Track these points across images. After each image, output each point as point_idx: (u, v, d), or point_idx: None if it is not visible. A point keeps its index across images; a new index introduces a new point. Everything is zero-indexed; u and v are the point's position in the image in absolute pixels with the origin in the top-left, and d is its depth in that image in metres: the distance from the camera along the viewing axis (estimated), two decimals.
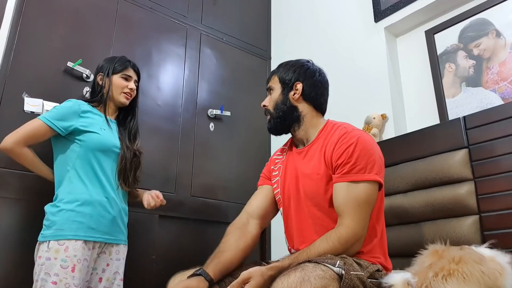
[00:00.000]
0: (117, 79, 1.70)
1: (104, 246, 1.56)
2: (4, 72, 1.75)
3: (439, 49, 2.00)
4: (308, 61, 1.45)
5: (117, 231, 1.59)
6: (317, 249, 1.14)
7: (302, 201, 1.32)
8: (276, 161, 1.50)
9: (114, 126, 1.71)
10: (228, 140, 2.46)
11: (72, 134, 1.57)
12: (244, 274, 1.07)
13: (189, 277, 1.20)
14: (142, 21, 2.27)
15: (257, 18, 2.90)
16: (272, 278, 1.07)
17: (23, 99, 1.76)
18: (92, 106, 1.67)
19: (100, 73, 1.71)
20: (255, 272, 1.06)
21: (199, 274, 1.19)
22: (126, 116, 1.78)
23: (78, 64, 1.90)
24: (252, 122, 2.61)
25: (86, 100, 1.68)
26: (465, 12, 1.93)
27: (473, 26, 1.90)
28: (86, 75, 1.94)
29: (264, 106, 1.45)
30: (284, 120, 1.39)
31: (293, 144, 1.46)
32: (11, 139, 1.50)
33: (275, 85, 1.43)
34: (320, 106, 1.41)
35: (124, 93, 1.70)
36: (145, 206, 1.68)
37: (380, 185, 1.23)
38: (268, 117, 1.43)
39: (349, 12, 2.40)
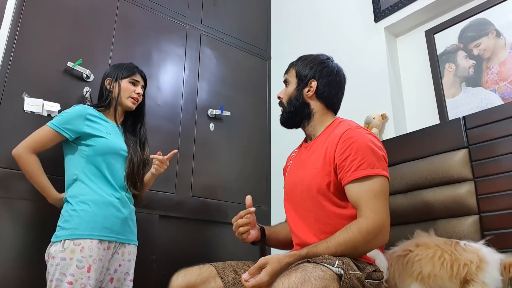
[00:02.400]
0: (125, 83, 1.73)
1: (118, 247, 1.57)
2: (4, 72, 1.75)
3: (439, 49, 2.00)
4: (328, 58, 1.45)
5: (129, 231, 1.62)
6: (337, 239, 1.12)
7: (298, 193, 1.34)
8: (292, 155, 1.53)
9: (120, 130, 1.74)
10: (228, 140, 2.46)
11: (79, 139, 1.59)
12: (261, 260, 1.07)
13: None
14: (142, 21, 2.27)
15: (257, 18, 2.90)
16: (289, 265, 1.07)
17: (23, 99, 1.76)
18: (99, 111, 1.70)
19: (108, 78, 1.74)
20: (272, 259, 1.06)
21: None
22: (134, 123, 1.81)
23: (78, 64, 1.90)
24: (252, 122, 2.61)
25: (93, 105, 1.71)
26: (465, 12, 1.93)
27: (473, 26, 1.90)
28: (86, 75, 1.94)
29: (278, 97, 1.47)
30: (295, 115, 1.41)
31: (304, 139, 1.49)
32: (20, 145, 1.54)
33: (292, 78, 1.44)
34: (332, 105, 1.42)
35: (132, 97, 1.73)
36: (155, 172, 1.73)
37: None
38: (281, 109, 1.46)
39: (349, 12, 2.40)
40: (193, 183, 2.23)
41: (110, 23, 2.13)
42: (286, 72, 1.48)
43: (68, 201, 1.53)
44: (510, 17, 1.79)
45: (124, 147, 1.68)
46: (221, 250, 2.26)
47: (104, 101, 1.73)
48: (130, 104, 1.73)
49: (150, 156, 1.71)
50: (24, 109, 1.75)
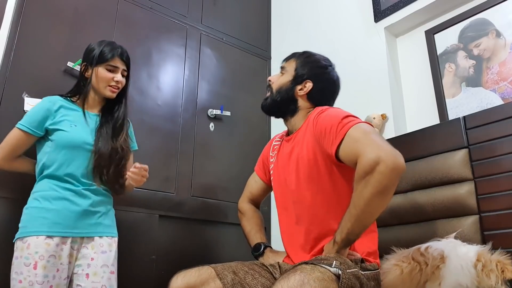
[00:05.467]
0: (101, 71, 1.55)
1: (83, 241, 1.48)
2: (4, 72, 1.75)
3: (439, 49, 2.00)
4: (330, 65, 1.44)
5: (92, 224, 1.50)
6: (361, 195, 1.07)
7: (288, 187, 1.34)
8: (275, 147, 1.52)
9: (93, 120, 1.59)
10: (228, 140, 2.46)
11: (46, 134, 1.53)
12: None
13: (258, 255, 1.44)
14: (142, 21, 2.27)
15: (257, 18, 2.90)
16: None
17: (23, 99, 1.76)
18: (72, 100, 1.60)
19: (84, 63, 1.59)
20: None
21: (266, 246, 1.45)
22: (112, 106, 1.64)
23: (78, 64, 1.90)
24: (252, 122, 2.61)
25: (65, 94, 1.61)
26: (465, 12, 1.93)
27: (473, 26, 1.90)
28: None
29: (269, 80, 1.46)
30: (280, 106, 1.41)
31: (286, 132, 1.49)
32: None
33: (290, 69, 1.42)
34: (317, 103, 1.41)
35: (110, 86, 1.56)
36: (131, 183, 1.55)
37: None
38: (268, 94, 1.44)
39: (349, 12, 2.40)
40: (193, 183, 2.23)
41: (110, 23, 2.13)
42: (287, 59, 1.46)
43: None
44: (510, 17, 1.78)
45: (89, 139, 1.53)
46: (221, 250, 2.26)
47: (75, 89, 1.60)
48: (109, 93, 1.57)
49: (129, 171, 1.51)
50: (24, 109, 1.75)
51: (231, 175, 2.41)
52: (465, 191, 1.46)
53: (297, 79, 1.39)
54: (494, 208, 1.39)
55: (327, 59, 1.46)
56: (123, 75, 1.61)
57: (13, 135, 1.51)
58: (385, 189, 1.04)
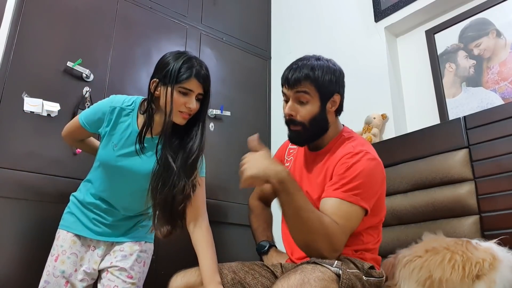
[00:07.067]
0: (173, 93, 1.28)
1: (107, 247, 1.47)
2: (4, 72, 1.75)
3: (439, 49, 2.00)
4: (340, 68, 1.31)
5: (116, 233, 1.48)
6: (315, 213, 1.09)
7: (311, 198, 1.29)
8: (291, 151, 1.46)
9: (152, 144, 1.38)
10: (228, 140, 2.46)
11: (101, 137, 1.45)
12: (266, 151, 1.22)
13: (262, 253, 1.44)
14: (142, 21, 2.27)
15: (257, 18, 2.90)
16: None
17: (23, 99, 1.76)
18: (137, 111, 1.41)
19: (155, 79, 1.32)
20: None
21: (271, 245, 1.44)
22: (180, 132, 1.36)
23: (78, 64, 1.90)
24: (252, 122, 2.60)
25: (139, 104, 1.41)
26: (465, 12, 1.93)
27: (473, 26, 1.90)
28: (86, 75, 1.94)
29: (290, 115, 1.24)
30: (317, 134, 1.27)
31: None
32: (63, 131, 1.54)
33: (312, 95, 1.22)
34: (340, 113, 1.34)
35: (181, 111, 1.30)
36: None
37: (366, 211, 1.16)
38: (297, 128, 1.25)
39: (349, 12, 2.40)
40: None
41: (110, 23, 2.13)
42: (297, 84, 1.22)
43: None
44: (510, 17, 1.78)
45: (127, 165, 1.38)
46: (221, 251, 2.24)
47: (146, 105, 1.37)
48: (179, 119, 1.31)
49: None
50: (24, 109, 1.75)
51: (231, 175, 2.40)
52: (465, 191, 1.46)
53: (325, 99, 1.24)
54: (494, 208, 1.39)
55: (334, 61, 1.31)
56: (197, 99, 1.33)
57: (73, 122, 1.51)
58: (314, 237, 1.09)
